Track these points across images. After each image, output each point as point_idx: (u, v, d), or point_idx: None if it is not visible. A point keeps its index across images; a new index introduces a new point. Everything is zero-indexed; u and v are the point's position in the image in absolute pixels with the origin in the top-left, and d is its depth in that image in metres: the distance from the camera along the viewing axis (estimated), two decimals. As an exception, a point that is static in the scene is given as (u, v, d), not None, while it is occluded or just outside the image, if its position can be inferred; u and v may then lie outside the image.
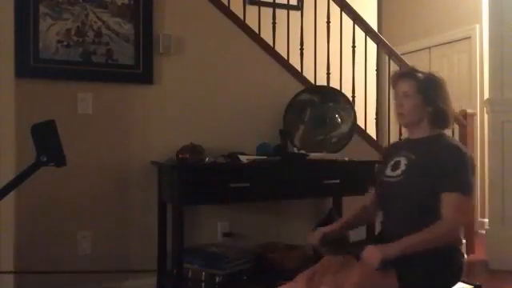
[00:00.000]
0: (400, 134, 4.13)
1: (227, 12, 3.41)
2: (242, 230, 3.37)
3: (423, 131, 2.08)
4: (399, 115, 2.11)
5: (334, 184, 3.10)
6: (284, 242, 3.35)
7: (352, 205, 3.47)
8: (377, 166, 2.90)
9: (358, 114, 3.53)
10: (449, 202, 1.88)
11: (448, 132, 2.19)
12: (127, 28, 3.11)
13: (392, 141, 4.20)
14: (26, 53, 2.86)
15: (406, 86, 2.07)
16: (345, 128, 3.46)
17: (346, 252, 2.01)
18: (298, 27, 3.68)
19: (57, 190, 2.92)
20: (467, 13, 5.60)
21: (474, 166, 1.99)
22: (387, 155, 2.21)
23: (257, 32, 3.52)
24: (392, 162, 2.08)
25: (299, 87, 3.55)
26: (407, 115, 2.07)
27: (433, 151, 1.98)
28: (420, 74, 2.08)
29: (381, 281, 1.82)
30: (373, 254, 1.79)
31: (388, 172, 2.08)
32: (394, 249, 1.80)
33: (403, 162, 2.03)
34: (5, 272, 2.45)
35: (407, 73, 2.12)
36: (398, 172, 2.02)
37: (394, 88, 2.13)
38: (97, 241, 3.03)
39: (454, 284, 1.96)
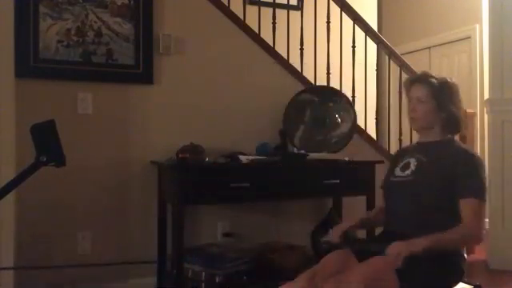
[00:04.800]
0: (400, 135, 4.13)
1: (227, 12, 3.41)
2: (242, 230, 3.37)
3: (434, 135, 2.10)
4: (412, 120, 2.13)
5: (333, 184, 3.10)
6: (284, 241, 3.35)
7: (352, 205, 3.48)
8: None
9: (357, 114, 3.53)
10: (467, 207, 1.92)
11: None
12: (127, 28, 3.11)
13: (392, 141, 4.21)
14: (26, 53, 2.86)
15: (419, 91, 2.09)
16: (345, 128, 3.46)
17: (371, 250, 1.96)
18: (298, 27, 3.68)
19: (57, 190, 2.92)
20: (467, 13, 5.60)
21: (484, 168, 2.02)
22: (396, 158, 2.23)
23: (257, 32, 3.52)
24: (402, 164, 2.11)
25: (299, 87, 3.55)
26: (420, 120, 2.10)
27: (444, 154, 2.01)
28: (434, 80, 2.09)
29: (383, 282, 1.81)
30: (398, 249, 1.79)
31: (397, 172, 2.11)
32: (419, 245, 1.79)
33: (413, 163, 2.06)
34: (5, 268, 2.45)
35: (421, 78, 2.14)
36: (408, 172, 2.05)
37: (407, 93, 2.16)
38: (97, 241, 3.03)
39: (454, 285, 1.96)
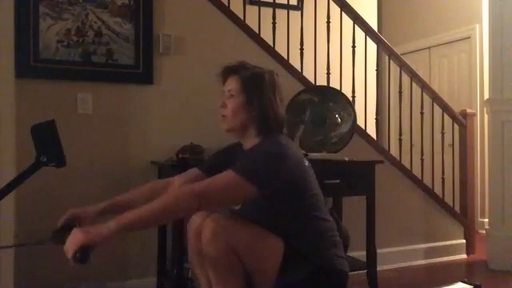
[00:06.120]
0: (400, 135, 4.14)
1: (227, 12, 3.41)
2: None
3: (252, 140, 1.84)
4: (222, 118, 1.87)
5: (333, 184, 3.09)
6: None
7: (352, 205, 3.48)
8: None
9: (357, 114, 3.53)
10: (218, 175, 1.66)
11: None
12: (127, 28, 3.11)
13: (392, 141, 4.21)
14: (26, 53, 2.86)
15: (230, 84, 1.85)
16: (345, 128, 3.46)
17: (50, 239, 1.62)
18: (298, 27, 3.68)
19: (57, 190, 2.92)
20: (467, 13, 5.61)
21: (274, 159, 1.71)
22: (222, 161, 1.99)
23: (257, 32, 3.53)
24: None
25: (299, 87, 3.55)
26: (229, 118, 1.84)
27: None
28: (246, 71, 1.84)
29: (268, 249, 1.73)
30: (71, 244, 1.43)
31: None
32: (105, 232, 1.45)
33: None
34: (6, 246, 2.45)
35: (233, 68, 1.88)
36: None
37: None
38: (97, 241, 3.02)
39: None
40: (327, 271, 1.79)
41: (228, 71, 1.88)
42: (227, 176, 1.64)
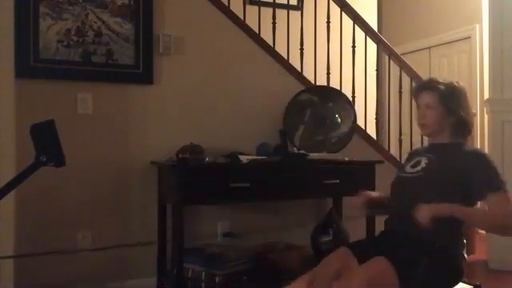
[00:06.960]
0: (400, 135, 4.14)
1: (227, 12, 3.41)
2: (242, 229, 3.37)
3: (444, 138, 2.14)
4: (422, 126, 2.17)
5: (333, 184, 3.09)
6: (284, 242, 3.35)
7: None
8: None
9: (357, 114, 3.53)
10: (497, 199, 1.93)
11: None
12: (127, 28, 3.11)
13: (392, 141, 4.21)
14: (26, 53, 2.86)
15: (428, 98, 2.13)
16: (345, 128, 3.46)
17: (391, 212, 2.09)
18: (298, 27, 3.68)
19: (57, 190, 2.92)
20: (467, 13, 5.60)
21: (495, 163, 2.06)
22: (408, 158, 2.28)
23: (257, 32, 3.53)
24: (413, 162, 2.15)
25: (299, 87, 3.55)
26: (430, 126, 2.14)
27: (454, 156, 2.04)
28: (441, 86, 2.13)
29: (385, 283, 1.82)
30: (425, 211, 1.82)
31: (408, 169, 2.14)
32: (446, 208, 1.86)
33: (424, 160, 2.09)
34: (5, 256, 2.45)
35: (429, 84, 2.18)
36: (418, 168, 2.08)
37: (415, 99, 2.21)
38: (97, 241, 3.03)
39: (453, 285, 1.96)
40: (457, 270, 1.99)
41: (422, 87, 2.19)
42: (505, 197, 1.95)
